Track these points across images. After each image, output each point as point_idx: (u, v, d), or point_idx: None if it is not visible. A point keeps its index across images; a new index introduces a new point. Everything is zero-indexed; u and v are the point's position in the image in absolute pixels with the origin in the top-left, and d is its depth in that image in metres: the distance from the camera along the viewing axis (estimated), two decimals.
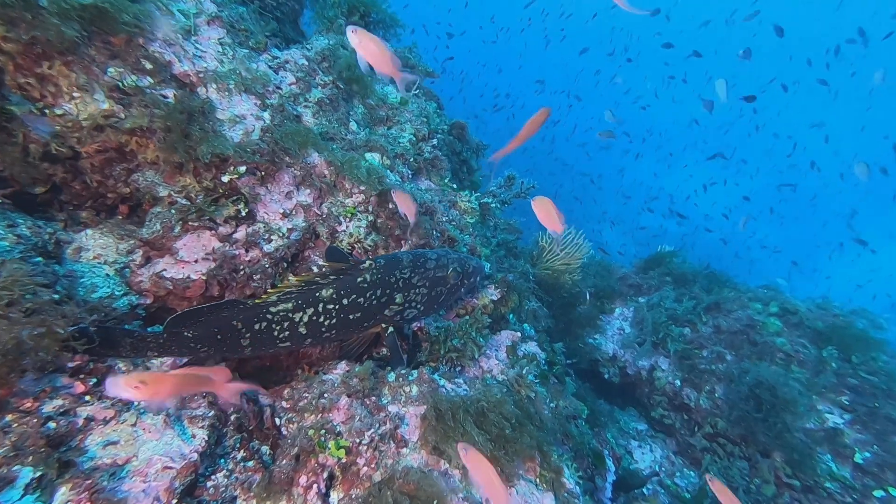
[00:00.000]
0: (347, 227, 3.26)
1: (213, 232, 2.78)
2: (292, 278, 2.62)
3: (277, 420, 2.67)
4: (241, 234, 2.85)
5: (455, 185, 4.25)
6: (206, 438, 2.44)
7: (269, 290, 2.59)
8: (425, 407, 2.47)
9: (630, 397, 6.68)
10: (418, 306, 2.95)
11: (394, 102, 4.05)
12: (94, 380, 2.36)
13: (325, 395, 2.47)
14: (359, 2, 4.21)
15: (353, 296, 2.69)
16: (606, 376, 6.67)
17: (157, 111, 2.42)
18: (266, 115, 2.95)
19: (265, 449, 2.67)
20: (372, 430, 2.33)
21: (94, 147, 2.55)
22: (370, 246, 3.28)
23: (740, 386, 5.19)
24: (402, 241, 3.47)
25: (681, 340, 5.91)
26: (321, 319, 2.67)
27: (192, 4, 2.77)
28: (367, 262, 2.73)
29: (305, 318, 2.64)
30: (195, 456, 2.32)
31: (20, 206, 2.71)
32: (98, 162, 2.66)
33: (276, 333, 2.64)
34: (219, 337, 2.57)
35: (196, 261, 2.75)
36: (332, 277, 2.66)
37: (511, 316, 3.99)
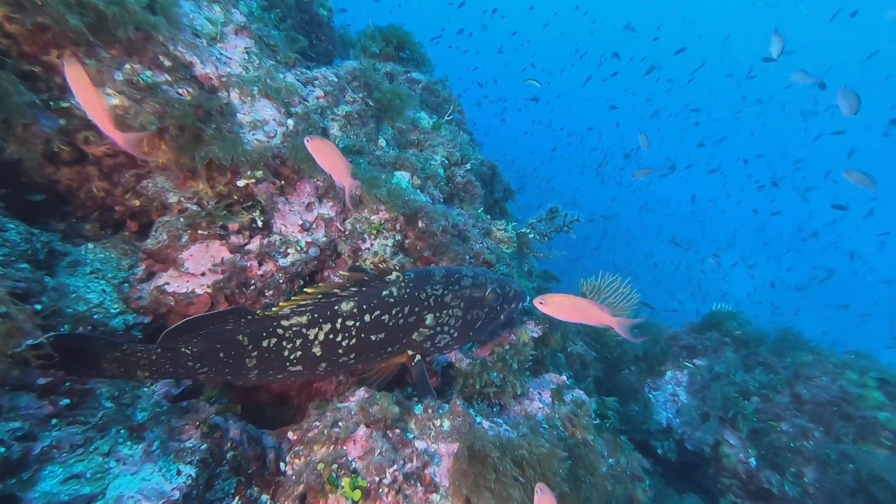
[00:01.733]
0: (372, 245, 3.05)
1: (224, 241, 2.60)
2: (308, 290, 2.33)
3: (282, 465, 2.30)
4: (254, 245, 2.66)
5: (489, 216, 4.07)
6: (194, 476, 2.07)
7: (282, 304, 2.31)
8: (458, 444, 2.08)
9: (690, 479, 5.87)
10: (451, 331, 2.58)
11: (426, 127, 4.00)
12: (67, 401, 2.06)
13: (340, 423, 2.11)
14: (392, 35, 4.35)
15: (377, 312, 2.37)
16: (660, 451, 5.90)
17: (171, 108, 2.33)
18: (290, 122, 2.88)
19: (265, 498, 2.28)
20: (395, 468, 1.94)
21: (103, 149, 2.48)
22: (396, 267, 3.04)
23: (843, 475, 4.43)
24: (432, 265, 3.23)
25: (755, 419, 5.22)
26: (339, 339, 2.35)
27: (220, 14, 2.83)
28: (395, 274, 2.44)
29: (321, 336, 2.32)
30: (177, 495, 1.95)
31: (17, 214, 2.62)
32: (106, 167, 2.59)
33: (286, 353, 2.32)
34: (221, 354, 2.27)
35: (203, 273, 2.55)
36: (353, 290, 2.37)
37: (555, 357, 3.59)
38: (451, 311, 2.53)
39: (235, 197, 2.59)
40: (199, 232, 2.53)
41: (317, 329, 2.32)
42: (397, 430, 2.13)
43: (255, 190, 2.67)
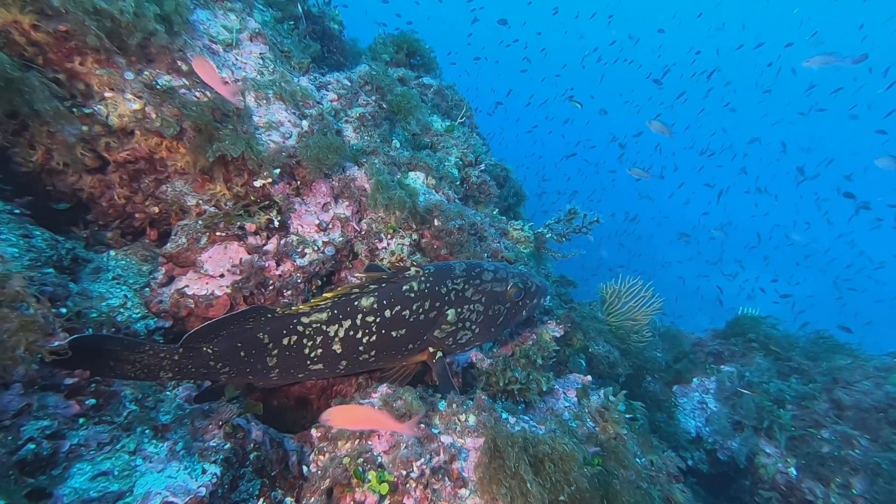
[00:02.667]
0: (389, 244, 3.07)
1: (242, 243, 2.63)
2: (327, 293, 2.34)
3: (305, 468, 2.28)
4: (271, 245, 2.69)
5: (504, 217, 4.08)
6: (219, 475, 2.07)
7: (301, 305, 2.33)
8: (484, 439, 2.05)
9: (724, 492, 5.67)
10: (473, 327, 2.56)
11: (439, 130, 4.06)
12: (93, 401, 2.10)
13: None
14: (404, 42, 4.45)
15: (398, 307, 2.37)
16: (691, 462, 5.72)
17: (188, 110, 2.40)
18: (304, 123, 2.94)
19: (289, 501, 2.26)
20: (422, 462, 1.91)
21: (124, 155, 2.54)
22: (415, 263, 3.05)
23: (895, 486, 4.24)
24: None
25: (792, 427, 5.03)
26: (359, 335, 2.35)
27: (236, 22, 2.93)
28: (413, 269, 2.43)
29: (341, 333, 2.33)
30: (203, 492, 1.94)
31: (42, 222, 2.69)
32: (126, 174, 2.65)
33: (307, 351, 2.34)
34: (242, 353, 2.29)
35: (222, 275, 2.58)
36: (372, 287, 2.37)
37: (577, 359, 3.54)
38: (472, 305, 2.52)
39: (252, 198, 2.63)
40: (218, 234, 2.57)
41: (337, 326, 2.33)
42: (422, 425, 2.11)
43: (272, 190, 2.72)
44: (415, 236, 3.18)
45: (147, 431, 2.06)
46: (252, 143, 2.49)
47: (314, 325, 2.32)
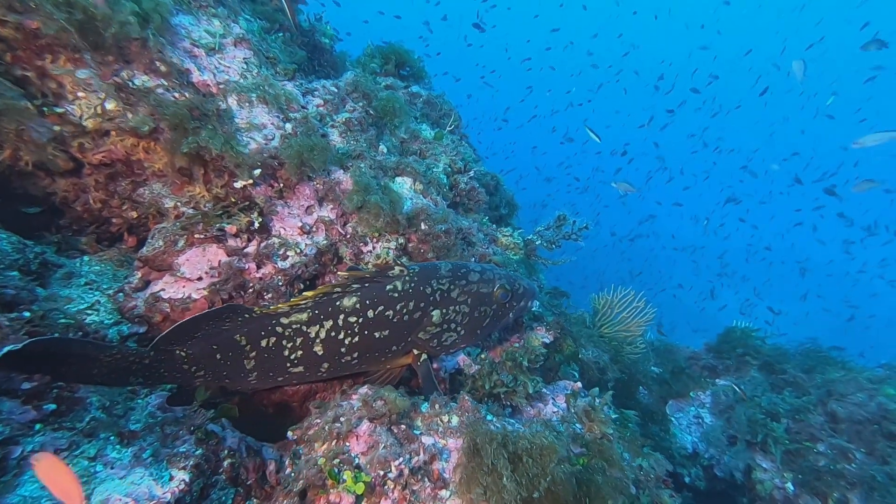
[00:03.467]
0: (374, 248, 3.05)
1: (221, 245, 2.59)
2: (307, 293, 2.28)
3: (282, 474, 2.21)
4: (252, 248, 2.66)
5: (494, 225, 4.08)
6: (188, 481, 1.99)
7: (280, 304, 2.27)
8: (465, 438, 2.00)
9: None
10: (458, 329, 2.51)
11: (427, 138, 4.08)
12: (53, 406, 1.99)
13: (342, 418, 2.04)
14: (392, 53, 4.51)
15: (381, 307, 2.32)
16: (688, 479, 5.62)
17: (164, 108, 2.36)
18: (288, 126, 2.94)
19: None
20: (400, 461, 1.85)
21: (99, 157, 2.51)
22: (398, 262, 3.03)
23: (891, 499, 4.18)
24: None
25: (787, 440, 4.96)
26: (341, 336, 2.29)
27: (220, 27, 2.95)
28: (398, 269, 2.39)
29: (322, 334, 2.27)
30: (169, 498, 1.87)
31: (11, 227, 2.62)
32: (102, 177, 2.62)
33: (286, 353, 2.27)
34: (218, 356, 2.22)
35: (199, 277, 2.54)
36: (355, 286, 2.32)
37: (568, 368, 3.49)
38: (458, 307, 2.48)
39: (233, 199, 2.61)
40: (196, 236, 2.54)
41: (318, 326, 2.27)
42: (403, 426, 2.05)
43: (253, 192, 2.70)
44: (401, 240, 3.16)
45: (111, 438, 1.98)
46: (232, 141, 2.48)
47: (294, 326, 2.26)
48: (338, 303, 2.29)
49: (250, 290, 2.57)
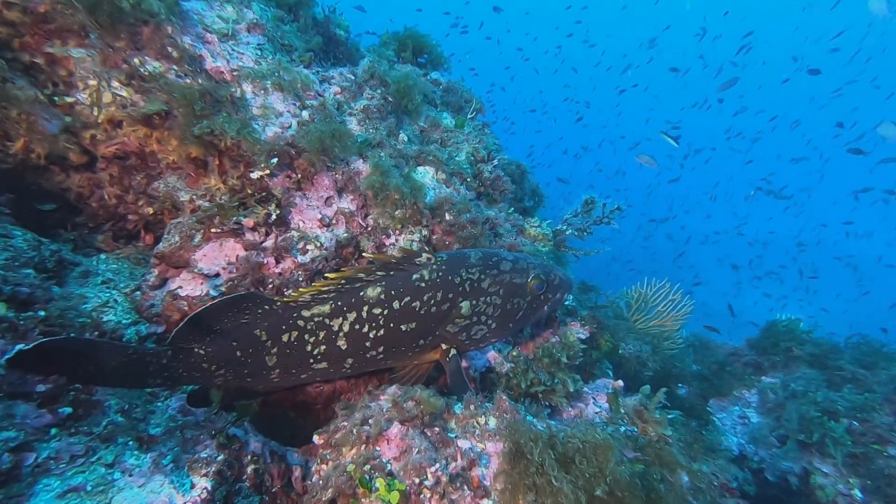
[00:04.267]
0: (397, 240, 2.92)
1: (239, 239, 2.50)
2: (330, 275, 2.16)
3: (309, 482, 2.09)
4: (270, 242, 2.56)
5: (521, 216, 3.91)
6: (210, 489, 1.88)
7: (301, 290, 2.15)
8: (505, 442, 1.84)
9: None
10: (489, 322, 2.36)
11: (449, 126, 3.94)
12: (69, 410, 1.90)
13: (370, 420, 1.91)
14: (409, 38, 4.39)
15: (407, 298, 2.20)
16: (735, 484, 5.34)
17: (174, 91, 2.26)
18: (305, 113, 2.83)
19: None
20: (437, 468, 1.71)
21: (112, 149, 2.44)
22: (426, 249, 2.90)
23: None
24: None
25: (849, 441, 4.60)
26: (365, 329, 2.18)
27: (233, 13, 2.87)
28: (425, 256, 2.26)
29: (346, 327, 2.16)
30: None
31: (27, 223, 2.58)
32: (116, 170, 2.56)
33: (309, 348, 2.17)
34: (238, 353, 2.12)
35: (217, 274, 2.44)
36: (379, 274, 2.19)
37: (604, 364, 3.31)
38: (489, 298, 2.33)
39: (249, 191, 2.51)
40: (213, 230, 2.45)
41: (341, 319, 2.16)
42: (436, 429, 1.91)
43: (270, 184, 2.60)
44: (425, 232, 3.03)
45: (130, 443, 1.89)
46: (247, 127, 2.38)
47: (316, 320, 2.16)
48: (361, 293, 2.18)
49: (270, 286, 2.47)
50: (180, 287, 2.36)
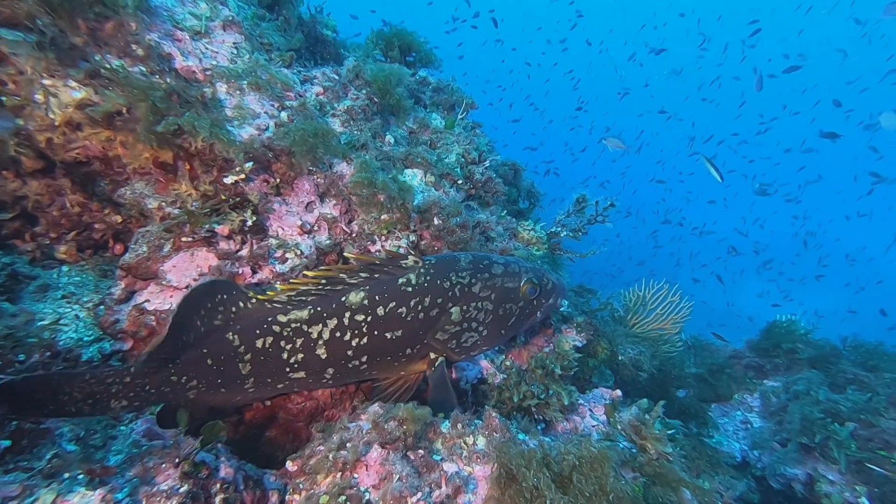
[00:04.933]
0: (384, 246, 2.78)
1: (212, 248, 2.34)
2: (309, 272, 2.04)
3: None
4: (246, 250, 2.41)
5: (514, 219, 3.77)
6: None
7: (280, 286, 1.99)
8: (495, 465, 1.70)
9: None
10: (480, 329, 2.22)
11: (438, 126, 3.80)
12: (7, 443, 1.70)
13: (348, 444, 1.76)
14: (395, 37, 4.25)
15: (392, 304, 2.05)
16: (738, 492, 5.20)
17: (138, 92, 2.08)
18: (284, 114, 2.68)
19: None
20: (419, 497, 1.56)
21: (73, 154, 2.27)
22: (412, 252, 2.77)
23: None
24: None
25: (853, 445, 4.44)
26: (347, 337, 2.04)
27: (206, 9, 2.72)
28: (412, 259, 2.12)
29: (326, 334, 2.02)
30: None
31: None
32: (79, 177, 2.37)
33: (285, 356, 2.02)
34: (209, 361, 1.96)
35: (188, 285, 2.29)
36: (363, 276, 2.06)
37: (602, 370, 3.17)
38: (480, 303, 2.20)
39: (223, 197, 2.36)
40: (183, 239, 2.29)
41: (320, 326, 2.01)
42: (420, 452, 1.76)
43: (246, 189, 2.45)
44: (413, 237, 2.89)
45: (80, 477, 1.69)
46: (220, 127, 2.23)
47: (293, 325, 2.00)
48: (343, 298, 2.02)
49: None
50: (147, 300, 2.21)
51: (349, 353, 2.07)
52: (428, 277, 2.12)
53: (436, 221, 2.90)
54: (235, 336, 1.97)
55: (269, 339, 1.99)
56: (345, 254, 2.58)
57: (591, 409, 2.66)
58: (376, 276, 2.08)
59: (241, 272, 2.33)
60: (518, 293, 2.28)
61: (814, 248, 25.30)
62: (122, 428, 2.02)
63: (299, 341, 2.01)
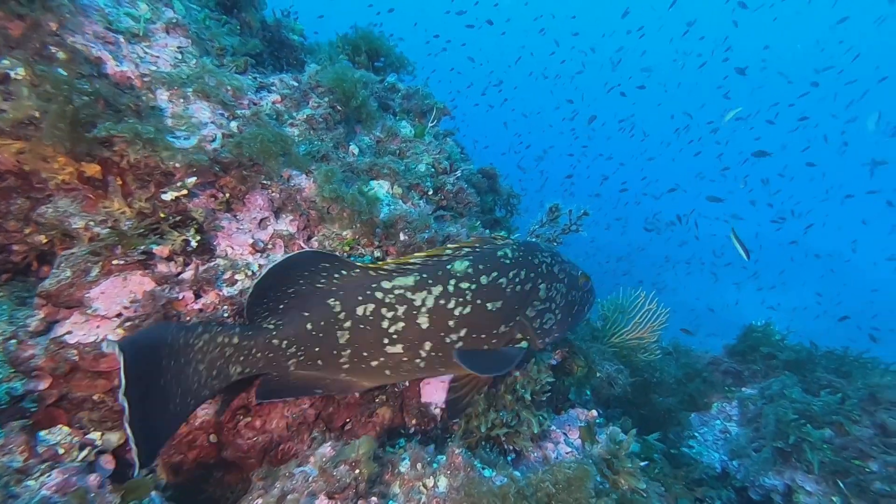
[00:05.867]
0: None
1: (148, 272, 2.10)
2: (418, 254, 2.09)
3: None
4: (189, 273, 2.17)
5: (488, 231, 3.59)
6: None
7: (389, 260, 2.12)
8: None
9: None
10: (556, 311, 2.30)
11: (407, 135, 3.60)
12: None
13: (290, 496, 1.55)
14: (363, 41, 4.05)
15: (495, 273, 2.08)
16: (718, 503, 5.07)
17: (54, 95, 1.80)
18: (234, 124, 2.45)
19: None
20: None
21: None
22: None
23: None
24: None
25: (827, 449, 4.37)
26: (451, 305, 2.00)
27: (146, 10, 2.47)
28: (503, 234, 2.31)
29: (430, 302, 1.98)
30: None
31: None
32: None
33: (385, 325, 1.98)
34: (309, 326, 1.94)
35: (118, 314, 2.01)
36: (465, 251, 2.11)
37: (580, 389, 3.00)
38: (558, 284, 2.29)
39: (162, 215, 2.11)
40: (114, 262, 2.03)
41: (425, 293, 1.99)
42: (374, 499, 1.56)
43: (190, 205, 2.21)
44: (378, 253, 2.69)
45: None
46: (158, 138, 2.00)
47: (397, 293, 1.99)
48: (448, 266, 2.04)
49: None
50: (69, 332, 1.95)
51: (451, 323, 2.03)
52: (521, 253, 2.19)
53: (402, 237, 2.71)
54: (337, 302, 1.97)
55: (371, 307, 1.97)
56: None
57: (565, 433, 2.48)
58: (477, 249, 2.13)
59: (181, 297, 2.09)
60: (578, 282, 2.40)
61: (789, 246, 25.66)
62: (29, 483, 1.73)
63: (401, 309, 1.98)
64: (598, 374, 3.13)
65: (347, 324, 1.97)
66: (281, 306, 1.96)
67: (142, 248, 2.03)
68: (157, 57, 2.37)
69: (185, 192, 2.15)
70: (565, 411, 2.70)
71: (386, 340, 2.01)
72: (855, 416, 4.49)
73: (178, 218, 2.14)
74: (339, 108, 3.10)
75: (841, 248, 25.11)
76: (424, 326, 2.00)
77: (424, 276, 2.00)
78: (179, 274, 2.14)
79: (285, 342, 1.95)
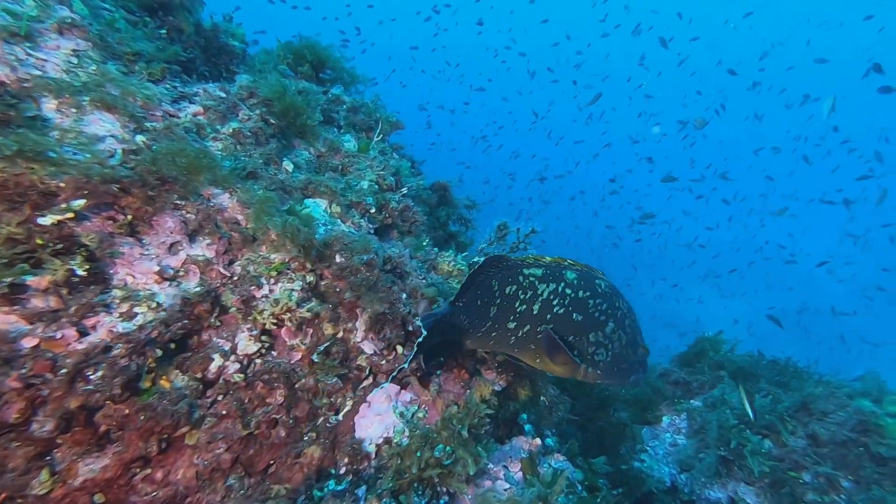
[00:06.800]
0: (272, 290, 2.25)
1: (17, 307, 1.75)
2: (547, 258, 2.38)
3: None
4: (73, 308, 1.82)
5: (436, 249, 3.34)
6: None
7: (528, 257, 2.37)
8: None
9: None
10: (608, 355, 2.34)
11: (350, 150, 3.32)
12: None
13: None
14: (306, 49, 3.74)
15: (588, 293, 2.31)
16: None
17: None
18: (140, 138, 2.13)
19: None
20: None
21: None
22: (307, 316, 2.26)
23: None
24: (357, 310, 2.44)
25: (765, 455, 4.33)
26: (554, 302, 2.29)
27: (32, 7, 2.11)
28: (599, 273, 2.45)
29: (545, 293, 2.30)
30: None
31: None
32: None
33: (516, 305, 2.31)
34: (478, 302, 2.33)
35: None
36: (576, 267, 2.37)
37: (524, 416, 2.77)
38: (621, 334, 2.38)
39: (40, 241, 1.76)
40: None
41: (545, 286, 2.31)
42: None
43: (79, 229, 1.86)
44: (310, 278, 2.38)
45: None
46: (32, 153, 1.65)
47: (530, 279, 2.32)
48: (563, 272, 2.33)
49: (61, 371, 1.71)
50: None
51: (548, 316, 2.29)
52: (610, 290, 2.38)
53: (338, 259, 2.42)
54: (496, 282, 2.32)
55: (514, 288, 2.31)
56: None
57: (506, 467, 2.25)
58: (583, 270, 2.37)
59: (59, 336, 1.74)
60: (638, 346, 2.43)
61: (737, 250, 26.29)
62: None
63: (529, 294, 2.30)
64: (542, 398, 2.91)
65: (497, 300, 2.33)
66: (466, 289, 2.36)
67: (9, 279, 1.66)
68: (45, 60, 2.01)
69: (70, 215, 1.80)
70: (509, 440, 2.48)
71: (511, 318, 2.32)
72: (790, 426, 4.48)
73: (61, 245, 1.78)
74: (272, 121, 2.80)
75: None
76: (535, 313, 2.29)
77: (548, 272, 2.32)
78: (60, 309, 1.78)
79: (464, 317, 2.35)
